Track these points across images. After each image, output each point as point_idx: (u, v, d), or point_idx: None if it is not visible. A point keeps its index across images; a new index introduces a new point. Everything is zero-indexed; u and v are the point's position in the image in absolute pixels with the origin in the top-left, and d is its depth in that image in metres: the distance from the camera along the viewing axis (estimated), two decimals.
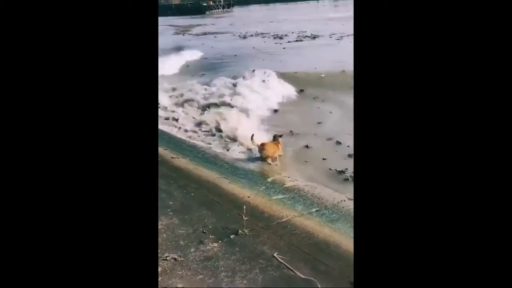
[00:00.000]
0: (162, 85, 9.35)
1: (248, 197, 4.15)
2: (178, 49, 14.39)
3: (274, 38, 15.83)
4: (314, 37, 15.67)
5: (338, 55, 10.89)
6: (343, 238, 3.50)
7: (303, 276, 2.74)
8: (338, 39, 14.71)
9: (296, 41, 14.81)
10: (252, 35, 17.01)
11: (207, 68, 11.87)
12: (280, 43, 14.27)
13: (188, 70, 12.06)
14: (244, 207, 3.45)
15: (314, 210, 4.07)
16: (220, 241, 3.15)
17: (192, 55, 13.91)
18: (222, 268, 2.76)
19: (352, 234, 3.68)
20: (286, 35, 16.34)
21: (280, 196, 4.41)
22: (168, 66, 11.71)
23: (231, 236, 3.23)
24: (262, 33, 16.86)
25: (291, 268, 2.82)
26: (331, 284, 2.72)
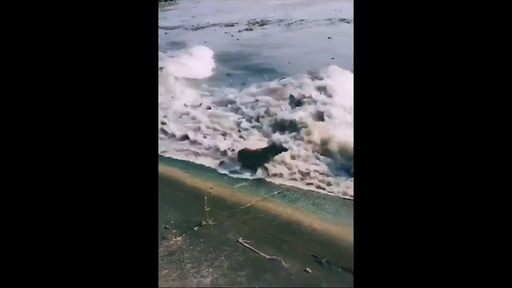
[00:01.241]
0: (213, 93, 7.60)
1: (211, 188, 4.15)
2: (174, 45, 12.25)
3: (226, 26, 15.67)
4: (262, 24, 15.73)
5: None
6: (305, 215, 3.64)
7: (268, 257, 2.83)
8: (287, 26, 14.89)
9: (246, 29, 14.80)
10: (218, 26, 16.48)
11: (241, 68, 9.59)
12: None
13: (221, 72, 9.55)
14: (205, 197, 3.45)
15: (276, 192, 4.17)
16: (183, 234, 3.14)
17: (201, 52, 10.95)
18: (187, 261, 2.77)
19: (312, 210, 3.84)
20: (237, 23, 16.21)
21: (243, 184, 4.46)
22: (191, 67, 9.43)
23: (195, 228, 3.24)
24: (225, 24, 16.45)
25: (256, 250, 2.89)
26: (295, 259, 2.83)
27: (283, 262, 2.77)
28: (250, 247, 2.94)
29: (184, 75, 8.62)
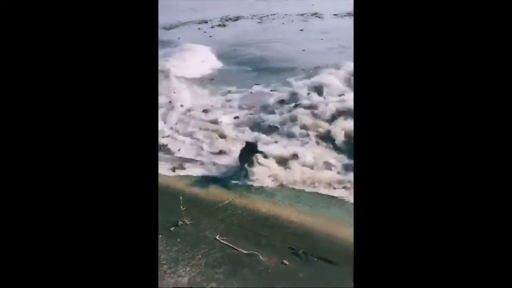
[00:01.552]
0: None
1: (186, 187, 4.12)
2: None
3: (199, 23, 15.45)
4: (236, 19, 15.68)
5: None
6: (282, 209, 3.67)
7: (246, 252, 2.84)
8: (259, 22, 14.89)
9: (219, 25, 14.69)
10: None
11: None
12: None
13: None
14: (180, 197, 3.42)
15: (253, 189, 4.18)
16: (160, 236, 3.09)
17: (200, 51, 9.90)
18: (164, 261, 2.74)
19: (289, 203, 3.89)
20: (210, 20, 16.05)
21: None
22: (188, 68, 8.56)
23: (171, 229, 3.20)
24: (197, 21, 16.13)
25: (233, 246, 2.90)
26: (272, 253, 2.86)
27: (261, 256, 2.79)
28: (227, 243, 2.95)
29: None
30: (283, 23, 13.94)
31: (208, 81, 8.05)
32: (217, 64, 9.15)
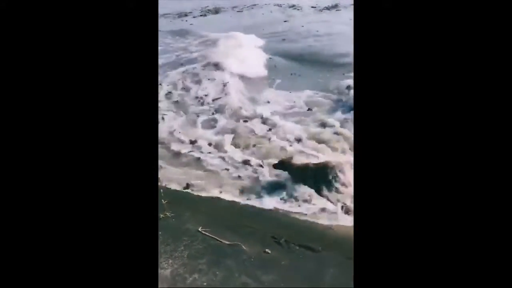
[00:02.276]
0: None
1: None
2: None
3: (179, 16, 15.14)
4: (216, 11, 15.45)
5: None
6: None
7: (228, 242, 2.86)
8: (239, 11, 14.75)
9: (200, 15, 14.48)
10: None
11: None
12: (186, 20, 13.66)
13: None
14: (161, 190, 3.38)
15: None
16: None
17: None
18: None
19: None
20: (190, 12, 15.75)
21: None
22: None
23: None
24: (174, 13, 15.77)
25: (216, 237, 2.91)
26: (255, 243, 2.89)
27: (243, 246, 2.82)
28: (209, 235, 2.95)
29: None
30: (262, 14, 13.85)
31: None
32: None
